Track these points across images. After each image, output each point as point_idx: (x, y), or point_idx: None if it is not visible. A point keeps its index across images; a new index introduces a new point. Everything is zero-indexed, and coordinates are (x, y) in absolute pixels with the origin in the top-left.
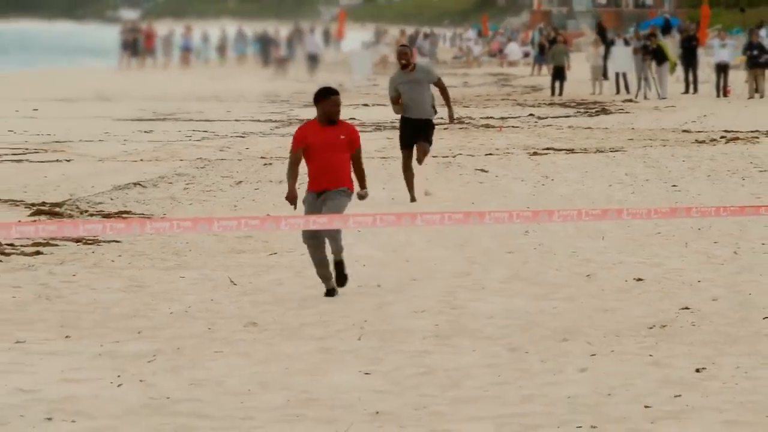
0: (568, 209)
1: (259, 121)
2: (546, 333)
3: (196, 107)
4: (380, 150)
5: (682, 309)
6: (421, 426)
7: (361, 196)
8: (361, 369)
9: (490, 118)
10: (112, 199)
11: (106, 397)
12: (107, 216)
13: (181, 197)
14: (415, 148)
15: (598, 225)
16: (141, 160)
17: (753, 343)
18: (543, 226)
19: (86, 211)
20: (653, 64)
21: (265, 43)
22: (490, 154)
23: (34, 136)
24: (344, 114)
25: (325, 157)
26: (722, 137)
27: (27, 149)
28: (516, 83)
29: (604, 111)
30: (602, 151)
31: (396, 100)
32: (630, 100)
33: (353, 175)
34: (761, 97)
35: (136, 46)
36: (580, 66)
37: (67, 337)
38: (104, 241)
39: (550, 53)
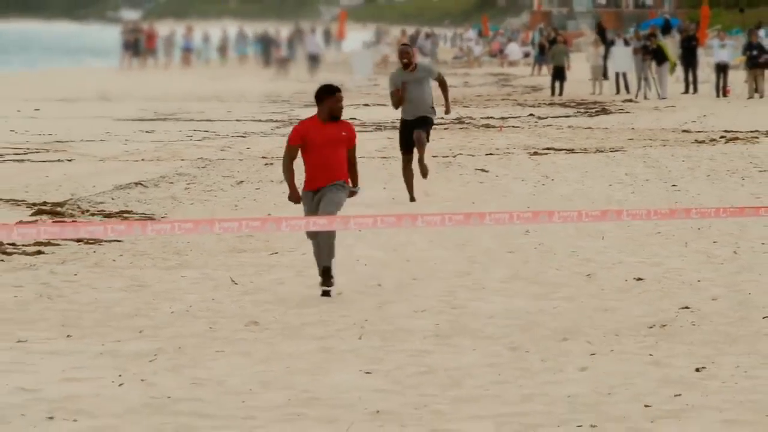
0: (568, 210)
1: (260, 121)
2: (546, 332)
3: (197, 107)
4: (381, 150)
5: (682, 308)
6: (421, 425)
7: (353, 193)
8: (362, 368)
9: (491, 118)
10: (113, 199)
11: (108, 397)
12: (108, 216)
13: (183, 197)
14: (415, 149)
15: (598, 225)
16: (142, 159)
17: (753, 343)
18: (543, 226)
19: (87, 211)
20: (653, 65)
21: (266, 44)
22: (491, 154)
23: (36, 136)
24: (345, 114)
25: (325, 154)
26: (722, 137)
27: (28, 149)
28: (516, 83)
29: (604, 111)
30: (602, 151)
31: (396, 93)
32: (630, 100)
33: None
34: (761, 97)
35: (137, 46)
36: (580, 66)
37: (68, 336)
38: (105, 241)
39: (551, 53)
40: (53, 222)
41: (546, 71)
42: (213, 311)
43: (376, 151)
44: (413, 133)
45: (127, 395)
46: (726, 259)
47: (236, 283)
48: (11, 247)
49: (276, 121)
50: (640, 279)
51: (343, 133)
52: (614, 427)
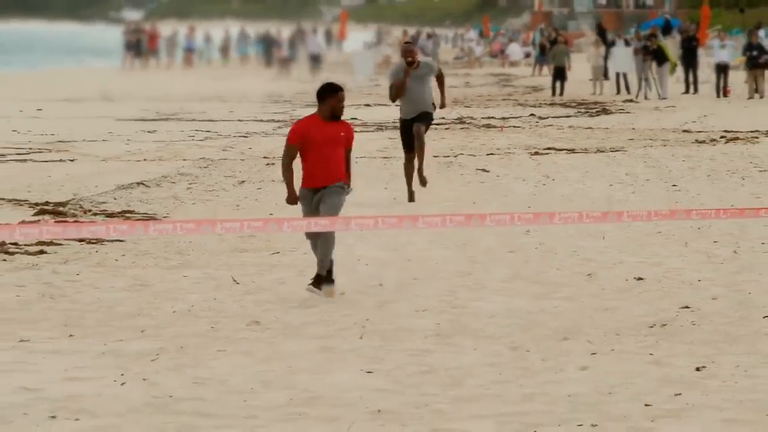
0: (569, 211)
1: (261, 121)
2: (547, 332)
3: (199, 107)
4: (382, 150)
5: (682, 308)
6: (422, 424)
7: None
8: (363, 368)
9: (492, 118)
10: (115, 199)
11: (110, 396)
12: (111, 215)
13: (184, 197)
14: (415, 149)
15: (599, 225)
16: (144, 159)
17: (753, 342)
18: (544, 226)
19: (90, 211)
20: (654, 65)
21: (267, 44)
22: (492, 153)
23: (38, 136)
24: (346, 114)
25: (325, 153)
26: (722, 137)
27: (31, 149)
28: (517, 83)
29: (605, 111)
30: (603, 151)
31: (398, 83)
32: (630, 101)
33: None
34: (761, 97)
35: (139, 46)
36: (580, 66)
37: (70, 335)
38: (108, 241)
39: (551, 54)
40: (55, 222)
41: (547, 71)
42: (215, 311)
43: (377, 151)
44: (413, 128)
45: (129, 394)
46: (726, 258)
47: (238, 283)
48: (14, 246)
49: (278, 121)
50: (640, 279)
51: (342, 133)
52: (615, 427)
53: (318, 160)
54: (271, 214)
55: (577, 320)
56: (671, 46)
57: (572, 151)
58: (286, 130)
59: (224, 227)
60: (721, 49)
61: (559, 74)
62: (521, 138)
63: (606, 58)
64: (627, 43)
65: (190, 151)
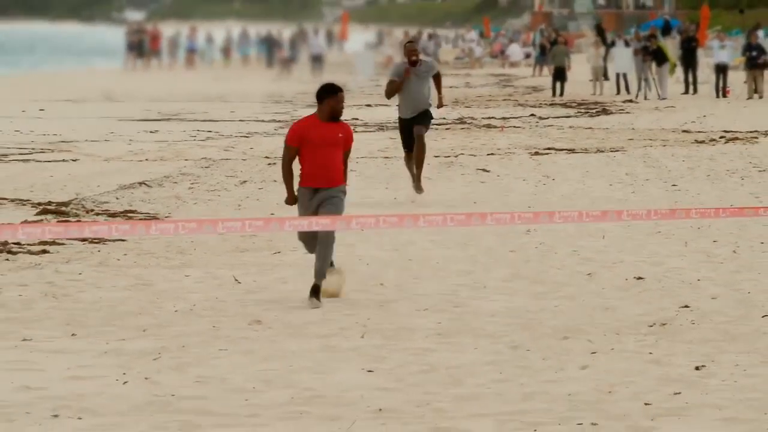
0: (568, 211)
1: (263, 121)
2: (547, 331)
3: (201, 108)
4: (383, 150)
5: (682, 307)
6: (423, 423)
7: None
8: (365, 366)
9: (492, 118)
10: (117, 199)
11: (112, 395)
12: (113, 215)
13: (186, 196)
14: (414, 154)
15: (599, 224)
16: (146, 159)
17: (752, 341)
18: (544, 226)
19: (92, 211)
20: (653, 65)
21: (269, 45)
22: (492, 153)
23: (41, 136)
24: (347, 114)
25: (322, 154)
26: (721, 137)
27: (33, 149)
28: (517, 84)
29: (605, 111)
30: (603, 151)
31: (395, 82)
32: (630, 101)
33: None
34: (760, 97)
35: (141, 47)
36: (580, 67)
37: (73, 335)
38: (110, 240)
39: (551, 54)
40: (58, 222)
41: (547, 72)
42: (216, 310)
43: (378, 151)
44: (413, 129)
45: (131, 393)
46: (725, 258)
47: (239, 282)
48: (16, 246)
49: (279, 121)
50: (640, 278)
51: (340, 135)
52: (615, 425)
53: (315, 161)
54: (272, 214)
55: (577, 319)
56: (671, 46)
57: (572, 151)
58: (287, 130)
59: (226, 227)
60: (720, 49)
61: (560, 75)
62: (521, 138)
63: (606, 58)
64: (627, 44)
65: (192, 151)
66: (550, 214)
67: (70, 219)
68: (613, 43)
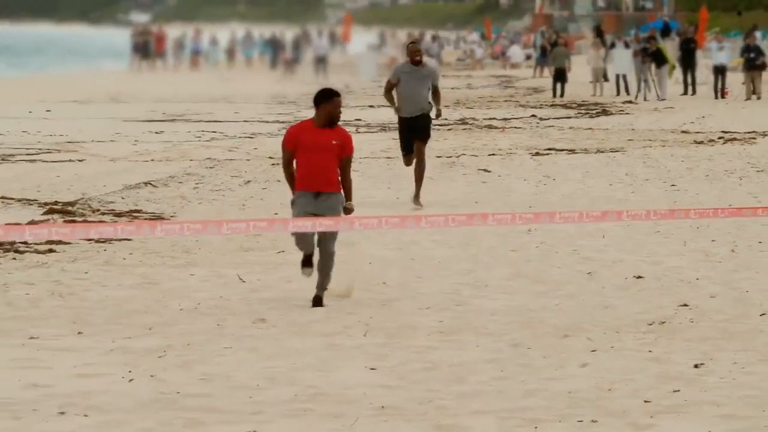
0: (569, 211)
1: (267, 122)
2: (548, 329)
3: (206, 108)
4: (386, 150)
5: (681, 306)
6: (425, 420)
7: (348, 210)
8: (367, 364)
9: (493, 119)
10: (123, 198)
11: (118, 392)
12: (119, 215)
13: (191, 196)
14: (415, 166)
15: (599, 224)
16: (152, 160)
17: (750, 339)
18: (545, 225)
19: (98, 210)
20: (653, 67)
21: (274, 46)
22: (493, 154)
23: (47, 136)
24: (350, 115)
25: (313, 159)
26: (720, 138)
27: (40, 149)
28: (518, 85)
29: (605, 112)
30: (603, 152)
31: (391, 88)
32: (630, 102)
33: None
34: (758, 98)
35: (147, 48)
36: (581, 68)
37: (79, 333)
38: (116, 240)
39: (552, 56)
40: (64, 222)
41: (547, 73)
42: (221, 308)
43: (381, 151)
44: (413, 142)
45: (137, 391)
46: (724, 257)
47: (244, 281)
48: (23, 245)
49: (283, 122)
50: (639, 277)
51: (334, 141)
52: (614, 422)
53: (306, 166)
54: (276, 214)
55: (577, 318)
56: (670, 48)
57: (573, 151)
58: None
59: (231, 227)
60: (718, 51)
61: (560, 76)
62: (522, 138)
63: (605, 60)
64: (626, 46)
65: (197, 152)
66: (550, 214)
67: (77, 219)
68: (612, 45)
